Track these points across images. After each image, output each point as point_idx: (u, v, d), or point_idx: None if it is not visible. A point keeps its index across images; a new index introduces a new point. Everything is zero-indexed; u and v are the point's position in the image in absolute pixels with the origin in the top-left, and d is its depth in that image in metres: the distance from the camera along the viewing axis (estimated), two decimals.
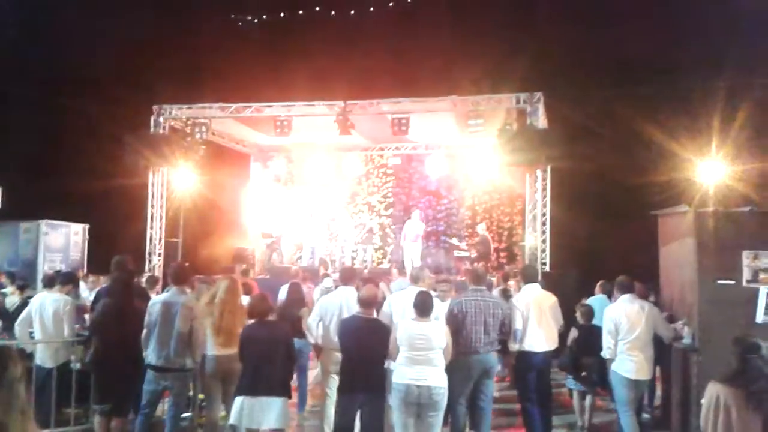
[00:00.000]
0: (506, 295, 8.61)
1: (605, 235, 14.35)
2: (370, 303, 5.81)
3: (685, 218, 6.19)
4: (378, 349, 5.63)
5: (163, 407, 6.34)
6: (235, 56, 16.34)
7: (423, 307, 5.61)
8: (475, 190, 16.93)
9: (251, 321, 5.83)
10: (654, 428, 7.23)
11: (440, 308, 6.23)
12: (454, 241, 16.25)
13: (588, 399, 7.65)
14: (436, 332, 5.57)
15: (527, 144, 12.28)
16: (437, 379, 5.50)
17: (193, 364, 6.11)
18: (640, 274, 10.55)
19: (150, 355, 6.01)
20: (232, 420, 5.52)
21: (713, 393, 3.89)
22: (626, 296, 6.34)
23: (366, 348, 5.61)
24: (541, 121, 12.66)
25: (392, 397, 5.57)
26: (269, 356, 5.48)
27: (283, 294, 8.18)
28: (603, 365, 6.68)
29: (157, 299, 6.22)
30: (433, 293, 6.06)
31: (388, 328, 5.80)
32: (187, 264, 13.46)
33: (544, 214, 13.15)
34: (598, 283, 9.43)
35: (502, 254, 16.53)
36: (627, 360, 6.18)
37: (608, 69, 14.84)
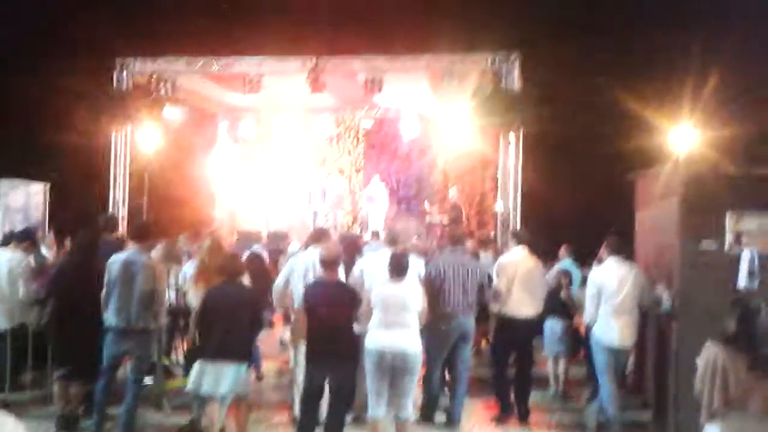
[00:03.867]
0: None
1: (578, 200, 14.25)
2: (333, 264, 5.51)
3: (668, 178, 6.01)
4: (343, 312, 5.37)
5: (126, 371, 6.02)
6: (202, 7, 15.71)
7: (398, 267, 5.38)
8: (448, 155, 16.65)
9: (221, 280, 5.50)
10: (626, 396, 7.12)
11: (418, 265, 6.00)
12: (426, 206, 16.02)
13: (561, 364, 7.57)
14: (412, 294, 5.36)
15: (502, 105, 12.09)
16: (412, 343, 5.29)
17: (156, 326, 5.82)
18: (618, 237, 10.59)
19: (109, 317, 5.71)
20: (190, 385, 5.26)
21: (711, 355, 3.71)
22: (613, 258, 6.13)
23: (331, 312, 5.33)
24: (516, 83, 12.41)
25: (365, 361, 5.36)
26: (234, 320, 5.19)
27: None
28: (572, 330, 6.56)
29: (117, 257, 5.86)
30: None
31: (354, 291, 5.58)
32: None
33: (515, 180, 12.95)
34: (563, 247, 9.37)
35: (473, 220, 16.35)
36: (609, 326, 5.98)
37: (584, 30, 14.56)
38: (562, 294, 7.48)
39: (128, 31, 15.00)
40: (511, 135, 12.82)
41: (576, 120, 14.11)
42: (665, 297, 5.87)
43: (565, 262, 8.71)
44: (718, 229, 5.52)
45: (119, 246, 6.59)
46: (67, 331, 5.92)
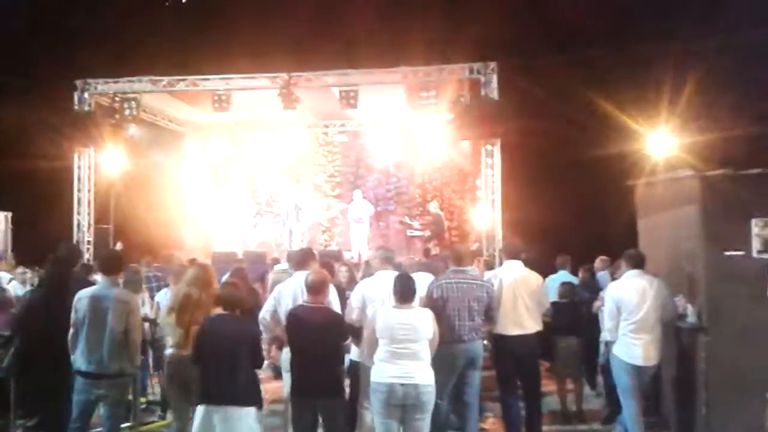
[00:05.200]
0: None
1: (561, 210, 13.98)
2: (319, 289, 5.00)
3: (682, 184, 5.65)
4: (330, 343, 4.90)
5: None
6: (167, 25, 15.19)
7: (404, 291, 4.90)
8: (426, 168, 16.32)
9: (216, 312, 4.93)
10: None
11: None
12: (406, 219, 15.65)
13: (575, 386, 7.15)
14: (422, 320, 4.87)
15: (481, 117, 11.82)
16: (424, 376, 4.80)
17: (132, 369, 5.25)
18: (604, 247, 10.29)
19: (78, 360, 5.08)
20: None
21: None
22: (634, 271, 5.70)
23: (316, 343, 4.85)
24: (495, 93, 12.13)
25: (372, 398, 4.85)
26: (234, 357, 4.61)
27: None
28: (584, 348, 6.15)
29: (83, 293, 5.20)
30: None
31: (340, 317, 5.12)
32: (121, 248, 12.62)
33: (493, 191, 12.63)
34: (558, 258, 9.01)
35: (454, 233, 16.03)
36: (631, 344, 5.57)
37: (560, 38, 14.40)
38: (595, 306, 7.05)
39: (89, 51, 14.40)
40: (488, 146, 12.52)
41: (555, 130, 13.87)
42: (690, 310, 5.50)
43: (561, 274, 8.33)
44: (743, 235, 5.18)
45: (85, 279, 6.01)
46: (33, 375, 5.31)
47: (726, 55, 13.24)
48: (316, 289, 5.01)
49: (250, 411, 4.60)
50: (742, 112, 12.93)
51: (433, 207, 15.02)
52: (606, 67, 14.18)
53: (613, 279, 8.10)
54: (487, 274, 6.45)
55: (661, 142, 14.29)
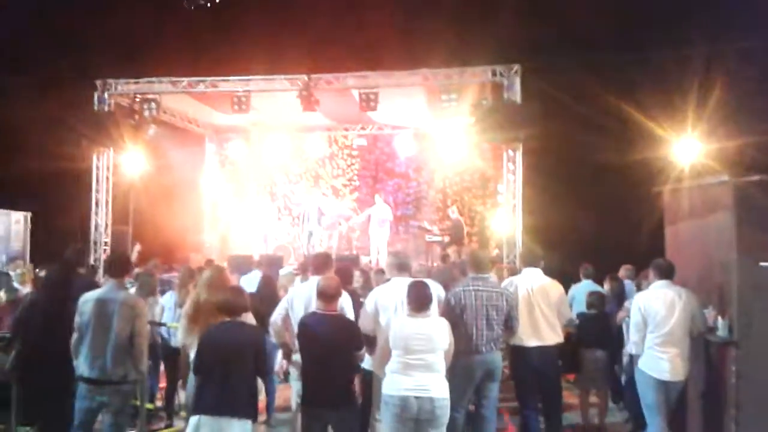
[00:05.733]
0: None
1: (583, 216, 13.66)
2: (331, 296, 4.79)
3: (714, 190, 5.36)
4: (343, 352, 4.68)
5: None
6: (187, 25, 15.12)
7: (420, 300, 4.68)
8: (446, 172, 16.09)
9: (220, 319, 4.73)
10: None
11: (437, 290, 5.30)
12: (425, 224, 15.43)
13: (599, 399, 6.87)
14: (438, 330, 4.65)
15: (504, 120, 11.60)
16: (439, 389, 4.59)
17: (137, 375, 5.09)
18: (628, 256, 9.99)
19: (81, 365, 4.91)
20: None
21: None
22: (662, 282, 5.43)
23: (328, 352, 4.64)
24: (518, 96, 11.89)
25: (383, 411, 4.64)
26: (236, 366, 4.42)
27: (249, 286, 7.14)
28: (611, 360, 5.87)
29: (88, 296, 5.04)
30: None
31: (355, 326, 4.89)
32: (139, 250, 12.52)
33: (515, 197, 12.37)
34: (582, 267, 8.73)
35: (474, 239, 15.78)
36: (658, 358, 5.30)
37: (584, 41, 14.10)
38: (618, 317, 6.77)
39: (109, 52, 14.39)
40: (510, 150, 12.28)
41: (579, 134, 13.57)
42: (720, 323, 5.21)
43: (585, 283, 8.05)
44: None
45: (92, 282, 5.86)
46: (34, 380, 5.15)
47: (752, 58, 12.90)
48: (328, 296, 4.81)
49: (245, 425, 4.40)
50: None
51: (453, 212, 14.79)
52: (631, 71, 13.88)
53: (639, 289, 7.83)
54: (504, 283, 6.19)
55: (688, 147, 13.97)
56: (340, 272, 5.71)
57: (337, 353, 4.68)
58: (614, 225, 13.36)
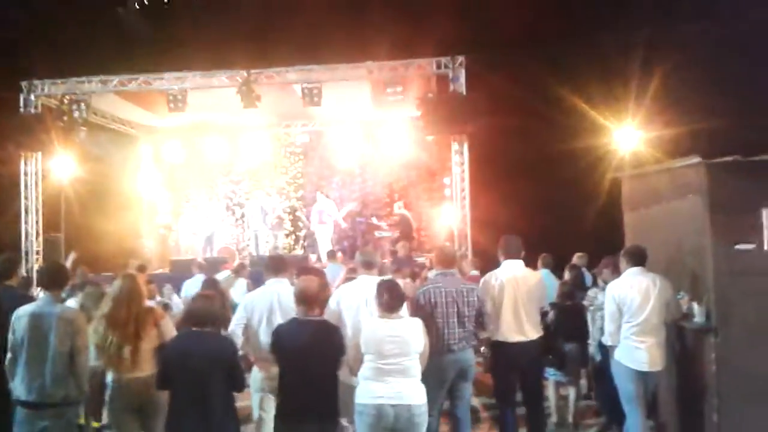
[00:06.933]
0: None
1: (531, 206, 13.66)
2: (311, 299, 4.42)
3: (684, 173, 5.26)
4: (329, 360, 4.33)
5: None
6: (117, 22, 14.45)
7: (391, 299, 4.39)
8: (392, 167, 15.85)
9: (185, 329, 4.36)
10: None
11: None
12: (374, 220, 15.18)
13: (572, 393, 6.73)
14: (412, 332, 4.38)
15: (449, 112, 11.47)
16: (416, 395, 4.33)
17: (79, 395, 4.65)
18: (581, 245, 9.98)
19: (18, 388, 4.49)
20: None
21: None
22: (635, 269, 5.27)
23: (312, 361, 4.26)
24: (464, 88, 11.77)
25: (357, 421, 4.34)
26: (209, 381, 4.05)
27: (191, 291, 6.73)
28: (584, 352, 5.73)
29: (21, 311, 4.60)
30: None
31: (340, 332, 4.54)
32: (74, 258, 11.85)
33: (462, 189, 12.25)
34: (540, 257, 8.66)
35: (423, 233, 15.63)
36: (635, 348, 5.15)
37: (529, 32, 14.11)
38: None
39: (35, 51, 13.60)
40: (456, 143, 12.16)
41: (525, 125, 13.58)
42: (697, 309, 5.12)
43: (543, 272, 7.93)
44: (754, 227, 4.78)
45: (24, 295, 5.35)
46: None
47: (693, 46, 13.12)
48: (309, 299, 4.42)
49: None
50: (710, 104, 12.80)
51: (399, 207, 14.60)
52: (574, 60, 13.96)
53: (595, 279, 7.76)
54: (487, 276, 5.81)
55: (628, 135, 14.19)
56: (310, 274, 5.35)
57: (320, 362, 4.31)
58: (565, 214, 13.43)
